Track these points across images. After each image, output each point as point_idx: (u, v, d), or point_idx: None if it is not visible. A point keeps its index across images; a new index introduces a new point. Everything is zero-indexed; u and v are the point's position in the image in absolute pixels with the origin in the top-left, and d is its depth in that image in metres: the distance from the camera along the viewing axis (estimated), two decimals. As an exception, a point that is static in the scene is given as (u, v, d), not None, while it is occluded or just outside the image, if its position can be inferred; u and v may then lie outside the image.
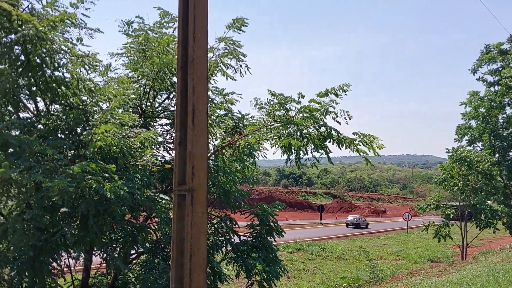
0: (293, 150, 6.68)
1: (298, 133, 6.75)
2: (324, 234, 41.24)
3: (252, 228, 8.12)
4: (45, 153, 5.03)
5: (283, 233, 8.19)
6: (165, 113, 8.07)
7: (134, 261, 7.80)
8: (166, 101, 8.30)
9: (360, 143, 6.81)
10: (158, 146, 7.76)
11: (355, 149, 6.78)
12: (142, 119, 7.68)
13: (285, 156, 6.97)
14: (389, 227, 55.18)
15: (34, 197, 5.27)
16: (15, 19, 5.18)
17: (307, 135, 6.74)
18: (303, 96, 6.81)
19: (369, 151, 6.81)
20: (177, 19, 7.54)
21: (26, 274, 5.85)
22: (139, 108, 7.82)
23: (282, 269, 7.85)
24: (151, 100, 8.01)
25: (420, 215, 59.61)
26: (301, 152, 6.72)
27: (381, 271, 23.32)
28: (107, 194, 4.99)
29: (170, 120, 8.06)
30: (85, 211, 5.23)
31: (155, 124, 8.17)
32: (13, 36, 5.58)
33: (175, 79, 7.38)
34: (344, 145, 6.80)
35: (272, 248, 7.88)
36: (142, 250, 7.20)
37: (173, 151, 8.27)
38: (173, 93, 8.03)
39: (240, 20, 7.83)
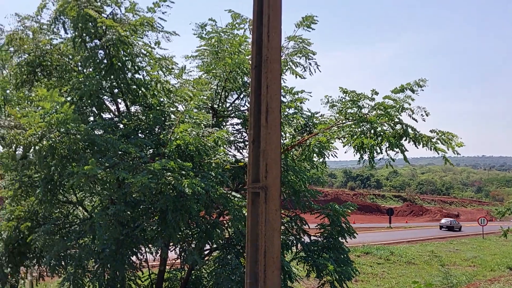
0: (366, 149, 6.52)
1: (372, 131, 6.57)
2: (393, 238, 39.92)
3: (323, 229, 8.04)
4: (128, 151, 5.30)
5: (355, 234, 8.04)
6: (236, 112, 8.21)
7: (206, 257, 8.01)
8: (237, 101, 8.46)
9: (438, 141, 6.49)
10: (229, 145, 7.91)
11: (432, 148, 6.48)
12: (214, 118, 7.88)
13: (353, 157, 6.84)
14: (463, 232, 52.53)
15: (116, 193, 5.57)
16: (100, 25, 5.51)
17: (381, 133, 6.55)
18: (376, 93, 6.62)
19: (448, 149, 6.47)
20: (247, 20, 7.69)
21: (109, 266, 6.21)
22: (211, 108, 8.03)
23: (354, 270, 7.69)
24: (222, 100, 8.19)
25: (497, 220, 56.28)
26: (374, 151, 6.54)
27: (455, 277, 22.15)
28: (185, 190, 5.15)
29: (240, 120, 8.19)
30: (164, 206, 5.45)
31: (226, 123, 8.35)
32: (97, 41, 5.97)
33: (246, 79, 7.49)
34: (421, 143, 6.52)
35: (343, 249, 7.75)
36: (215, 246, 7.37)
37: (244, 150, 8.42)
38: (244, 93, 8.16)
39: (309, 18, 7.80)
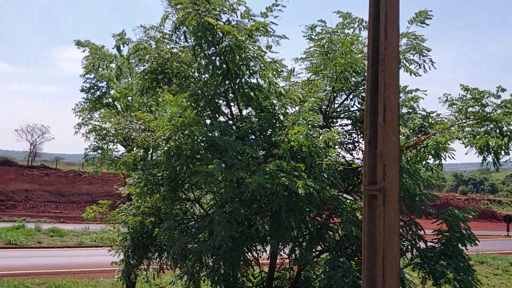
0: (491, 150, 6.02)
1: (497, 131, 6.06)
2: (513, 247, 36.34)
3: (441, 234, 7.59)
4: (244, 152, 5.52)
5: (476, 241, 7.48)
6: (345, 113, 8.10)
7: (315, 259, 8.00)
8: (345, 102, 8.33)
9: None
10: (340, 146, 7.83)
11: None
12: (323, 120, 7.85)
13: (472, 159, 6.36)
14: None
15: (232, 192, 5.81)
16: (218, 31, 5.81)
17: (508, 133, 6.01)
18: (503, 90, 6.09)
19: None
20: (357, 20, 7.55)
21: (225, 262, 6.49)
22: (319, 109, 8.01)
23: (475, 280, 7.14)
24: (331, 101, 8.13)
25: None
26: (503, 151, 6.02)
27: None
28: (298, 191, 5.22)
29: (350, 121, 8.06)
30: (277, 206, 5.57)
31: (335, 124, 8.27)
32: (213, 48, 6.29)
33: (358, 78, 7.36)
34: (556, 143, 5.86)
35: (463, 256, 7.23)
36: (325, 248, 7.34)
37: (353, 152, 8.27)
38: (353, 93, 8.01)
39: (423, 13, 7.42)
